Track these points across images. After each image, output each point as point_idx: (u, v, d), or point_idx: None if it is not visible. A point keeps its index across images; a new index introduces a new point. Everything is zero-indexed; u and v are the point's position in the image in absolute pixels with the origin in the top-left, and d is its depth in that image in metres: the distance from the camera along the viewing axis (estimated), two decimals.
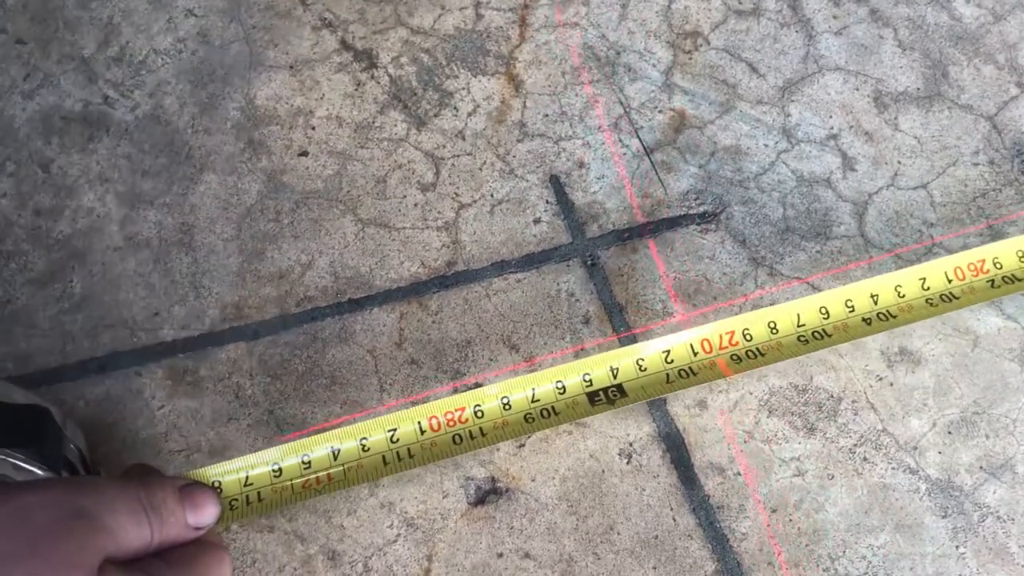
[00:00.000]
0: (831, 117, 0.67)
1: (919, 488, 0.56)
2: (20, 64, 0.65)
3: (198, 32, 0.66)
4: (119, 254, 0.60)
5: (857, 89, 0.68)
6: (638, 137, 0.64)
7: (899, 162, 0.66)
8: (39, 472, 0.44)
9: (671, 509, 0.55)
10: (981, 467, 0.56)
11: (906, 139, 0.67)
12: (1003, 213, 0.64)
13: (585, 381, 0.52)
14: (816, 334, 0.54)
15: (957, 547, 0.54)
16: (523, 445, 0.56)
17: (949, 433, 0.57)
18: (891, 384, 0.59)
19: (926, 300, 0.56)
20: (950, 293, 0.56)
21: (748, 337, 0.54)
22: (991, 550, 0.54)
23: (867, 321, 0.55)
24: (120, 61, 0.66)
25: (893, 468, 0.56)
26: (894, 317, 0.55)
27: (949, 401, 0.58)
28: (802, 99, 0.67)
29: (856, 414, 0.58)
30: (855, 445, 0.57)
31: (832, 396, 0.58)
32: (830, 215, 0.64)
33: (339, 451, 0.50)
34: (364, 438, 0.50)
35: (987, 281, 0.57)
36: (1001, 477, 0.56)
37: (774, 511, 0.55)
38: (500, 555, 0.53)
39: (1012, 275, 0.57)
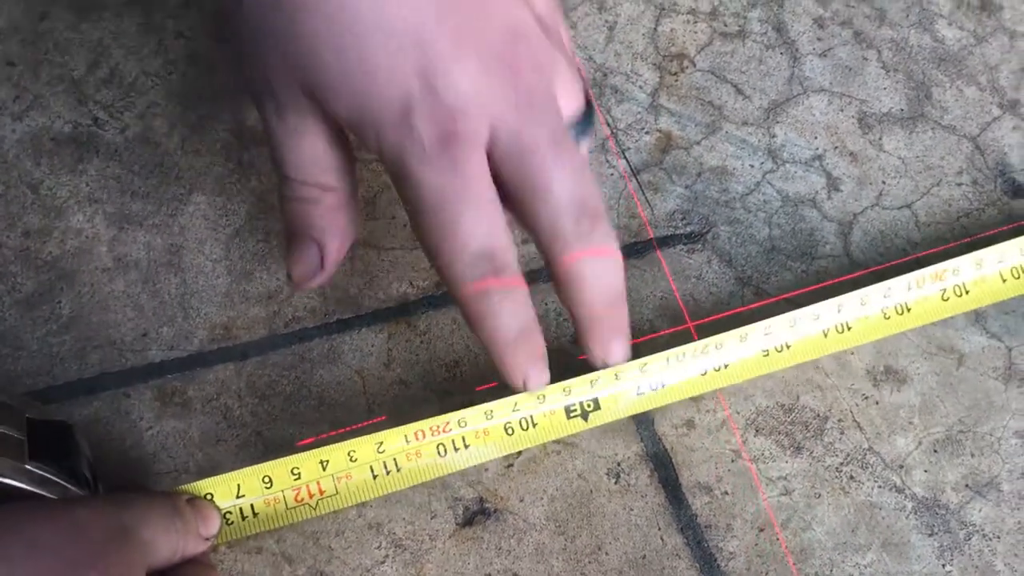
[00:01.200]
0: (816, 138, 0.67)
1: (905, 507, 0.56)
2: (10, 86, 0.65)
3: (188, 54, 0.67)
4: (108, 275, 0.59)
5: (842, 110, 0.68)
6: (624, 158, 0.64)
7: (884, 182, 0.66)
8: (65, 485, 0.45)
9: (659, 529, 0.55)
10: (967, 485, 0.57)
11: (890, 159, 0.67)
12: (986, 232, 0.64)
13: (564, 391, 0.53)
14: (777, 347, 0.56)
15: (943, 565, 0.54)
16: (511, 465, 0.56)
17: (935, 451, 0.57)
18: (877, 403, 0.59)
19: (882, 312, 0.58)
20: (905, 305, 0.58)
21: (719, 347, 0.56)
22: (977, 568, 0.54)
23: (825, 334, 0.57)
24: (110, 83, 0.66)
25: (879, 487, 0.56)
26: (850, 329, 0.57)
27: (934, 420, 0.58)
28: (787, 120, 0.68)
29: (842, 433, 0.58)
30: (841, 464, 0.57)
31: (818, 415, 0.58)
32: (815, 235, 0.64)
33: (327, 462, 0.51)
34: (352, 451, 0.51)
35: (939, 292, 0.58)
36: (987, 495, 0.56)
37: (761, 530, 0.55)
38: None
39: (964, 287, 0.58)
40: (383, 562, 0.53)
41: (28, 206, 0.63)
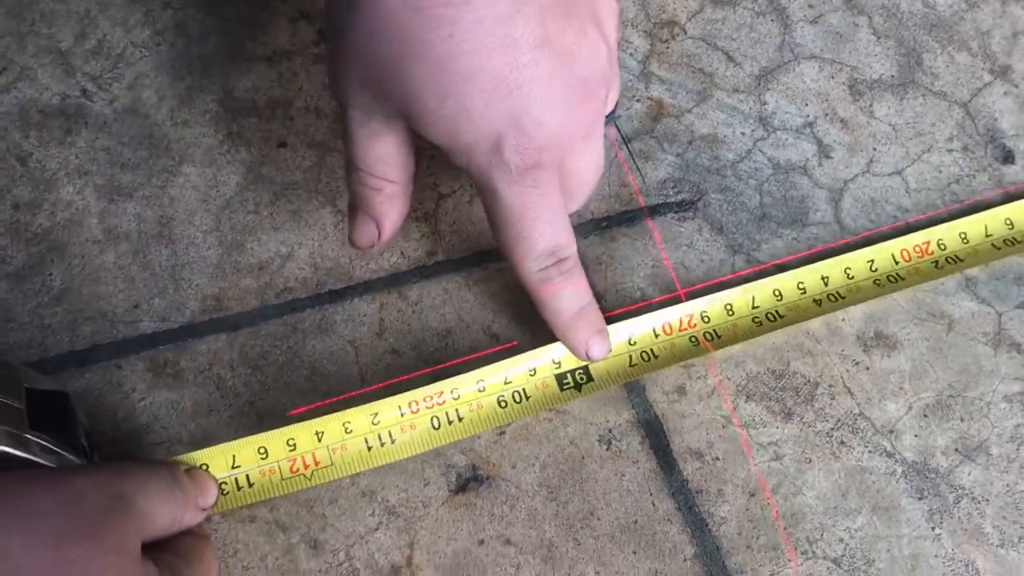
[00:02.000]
0: (807, 105, 0.67)
1: (895, 471, 0.56)
2: None
3: (176, 24, 0.66)
4: (98, 247, 0.59)
5: (832, 77, 0.68)
6: (616, 126, 0.63)
7: (874, 149, 0.66)
8: (64, 455, 0.45)
9: (650, 494, 0.55)
10: (956, 449, 0.57)
11: (881, 126, 0.67)
12: (975, 198, 0.64)
13: (555, 363, 0.53)
14: (770, 316, 0.56)
15: (933, 528, 0.55)
16: (503, 433, 0.56)
17: (925, 416, 0.58)
18: (867, 368, 0.59)
19: (874, 281, 0.58)
20: (896, 274, 0.58)
21: (706, 319, 0.58)
22: (966, 531, 0.55)
23: (818, 302, 0.57)
24: (98, 54, 0.65)
25: (870, 451, 0.56)
26: (843, 298, 0.58)
27: (924, 385, 0.58)
28: (778, 87, 0.67)
29: (833, 398, 0.58)
30: (832, 429, 0.57)
31: (809, 381, 0.58)
32: (806, 202, 0.64)
33: (323, 433, 0.51)
34: (347, 422, 0.52)
35: (932, 263, 0.58)
36: (976, 459, 0.57)
37: (752, 495, 0.55)
38: (481, 542, 0.53)
39: (955, 256, 0.59)
40: (376, 529, 0.53)
41: (17, 178, 0.62)
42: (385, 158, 0.46)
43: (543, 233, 0.45)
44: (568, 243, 0.47)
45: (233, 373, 0.58)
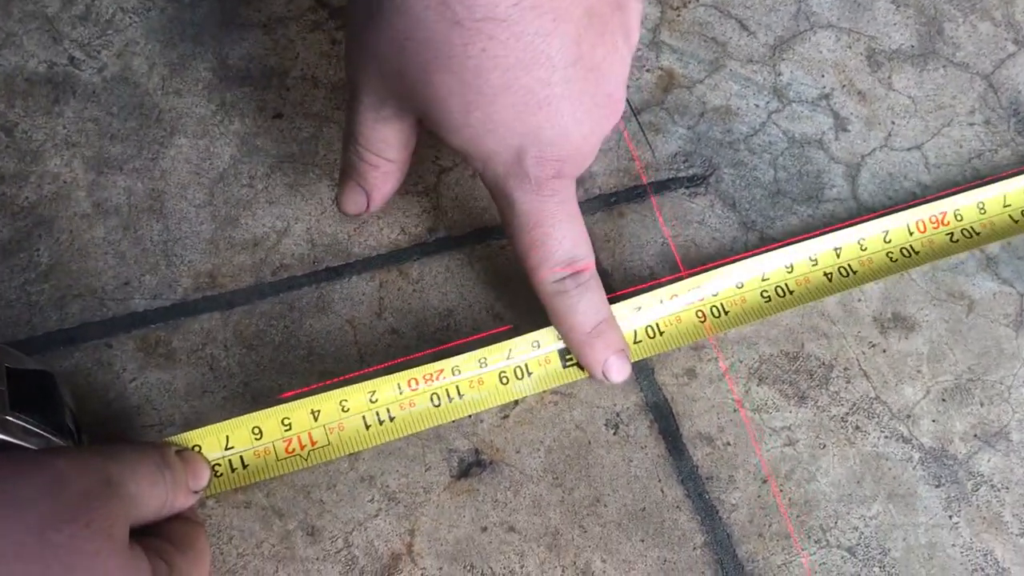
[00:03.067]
0: (823, 76, 0.65)
1: (912, 457, 0.54)
2: None
3: None
4: (87, 221, 0.57)
5: (850, 47, 0.66)
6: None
7: (893, 122, 0.64)
8: (48, 437, 0.43)
9: (659, 480, 0.53)
10: (975, 435, 0.55)
11: (900, 99, 0.64)
12: (999, 174, 0.62)
13: (559, 338, 0.51)
14: (779, 290, 0.55)
15: (950, 517, 0.53)
16: (507, 416, 0.54)
17: (943, 401, 0.56)
18: (884, 351, 0.57)
19: (887, 254, 0.56)
20: (911, 247, 0.56)
21: (714, 293, 0.55)
22: (985, 519, 0.53)
23: (828, 276, 0.56)
24: (86, 20, 0.63)
25: (886, 437, 0.55)
26: (855, 272, 0.56)
27: (943, 368, 0.57)
28: (793, 58, 0.65)
29: (848, 382, 0.56)
30: (847, 414, 0.55)
31: (824, 364, 0.56)
32: (822, 177, 0.62)
33: (319, 412, 0.49)
34: (344, 400, 0.50)
35: (946, 235, 0.56)
36: (995, 445, 0.55)
37: (764, 482, 0.53)
38: (484, 529, 0.52)
39: (971, 229, 0.57)
40: (376, 516, 0.52)
41: (2, 150, 0.60)
42: (388, 140, 0.46)
43: (560, 241, 0.44)
44: (586, 254, 0.46)
45: (227, 353, 0.56)
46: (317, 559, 0.51)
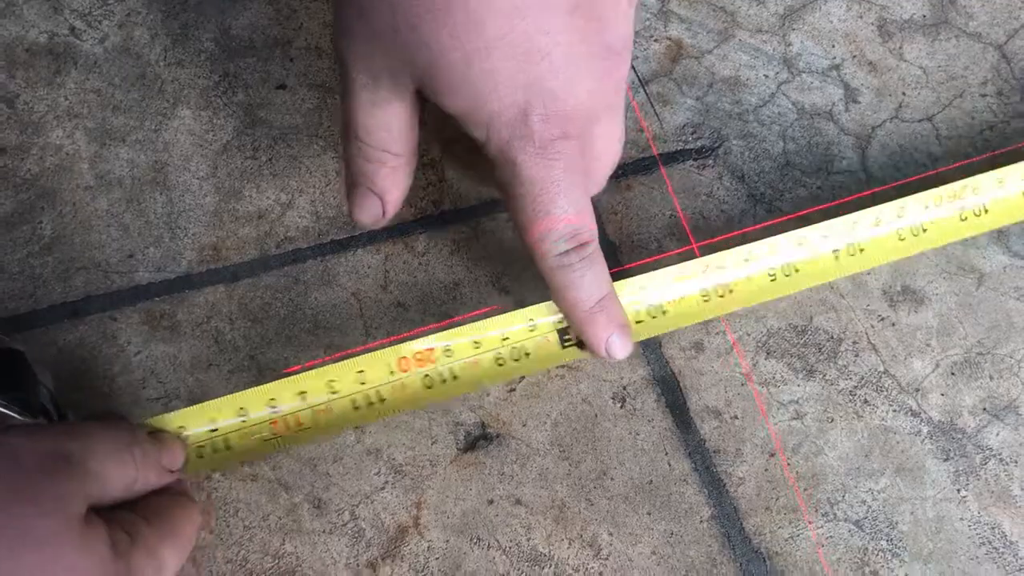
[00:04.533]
0: (834, 46, 0.64)
1: (921, 431, 0.54)
2: None
3: None
4: (90, 194, 0.57)
5: (861, 17, 0.65)
6: (632, 68, 0.61)
7: (904, 93, 0.63)
8: (16, 416, 0.43)
9: (666, 454, 0.53)
10: (984, 409, 0.55)
11: (911, 69, 0.64)
12: (1010, 146, 0.61)
13: (558, 320, 0.50)
14: (787, 271, 0.54)
15: (959, 490, 0.53)
16: (514, 390, 0.54)
17: (952, 374, 0.56)
18: (893, 324, 0.57)
19: (896, 232, 0.55)
20: (921, 228, 0.55)
21: (720, 267, 0.54)
22: (993, 493, 0.53)
23: (836, 254, 0.55)
24: None
25: (894, 411, 0.55)
26: (862, 251, 0.55)
27: (953, 342, 0.57)
28: (803, 27, 0.65)
29: (857, 355, 0.56)
30: (855, 387, 0.55)
31: (832, 337, 0.56)
32: (832, 149, 0.62)
33: (306, 393, 0.49)
34: (332, 380, 0.49)
35: (958, 213, 0.56)
36: (1004, 419, 0.55)
37: (772, 455, 0.54)
38: (491, 502, 0.52)
39: (983, 207, 0.56)
40: (383, 488, 0.52)
41: (4, 122, 0.60)
42: (389, 127, 0.43)
43: (564, 211, 0.42)
44: (590, 225, 0.44)
45: (232, 326, 0.56)
46: (324, 532, 0.51)
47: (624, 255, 0.57)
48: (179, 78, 0.62)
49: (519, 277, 0.57)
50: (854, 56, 0.64)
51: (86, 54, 0.62)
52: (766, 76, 0.63)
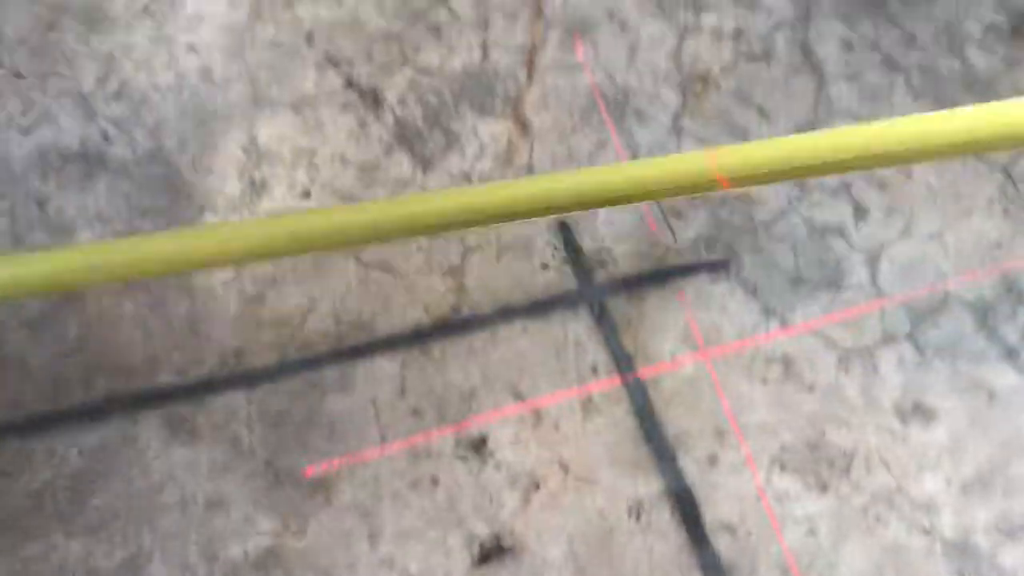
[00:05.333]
0: None
1: (934, 549, 0.55)
2: (18, 98, 0.64)
3: (200, 69, 0.66)
4: (116, 297, 0.59)
5: None
6: None
7: (912, 212, 0.65)
8: None
9: (680, 571, 0.53)
10: (998, 528, 0.55)
11: (919, 188, 0.66)
12: (1019, 263, 0.63)
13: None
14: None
15: None
16: (529, 501, 0.54)
17: (964, 492, 0.56)
18: (904, 440, 0.58)
19: None
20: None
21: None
22: None
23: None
24: (120, 97, 0.65)
25: (907, 528, 0.55)
26: None
27: (964, 459, 0.57)
28: None
29: (869, 471, 0.57)
30: (868, 503, 0.56)
31: (845, 452, 0.57)
32: (842, 265, 0.63)
33: None
34: None
35: None
36: (1019, 538, 0.55)
37: (786, 572, 0.54)
38: None
39: None
40: None
41: (35, 223, 0.62)
42: None
43: None
44: None
45: (250, 431, 0.57)
46: None
47: (638, 364, 0.58)
48: (207, 185, 0.64)
49: (534, 384, 0.58)
50: (864, 174, 0.66)
51: (117, 159, 0.64)
52: (778, 192, 0.65)
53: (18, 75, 0.66)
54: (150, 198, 0.63)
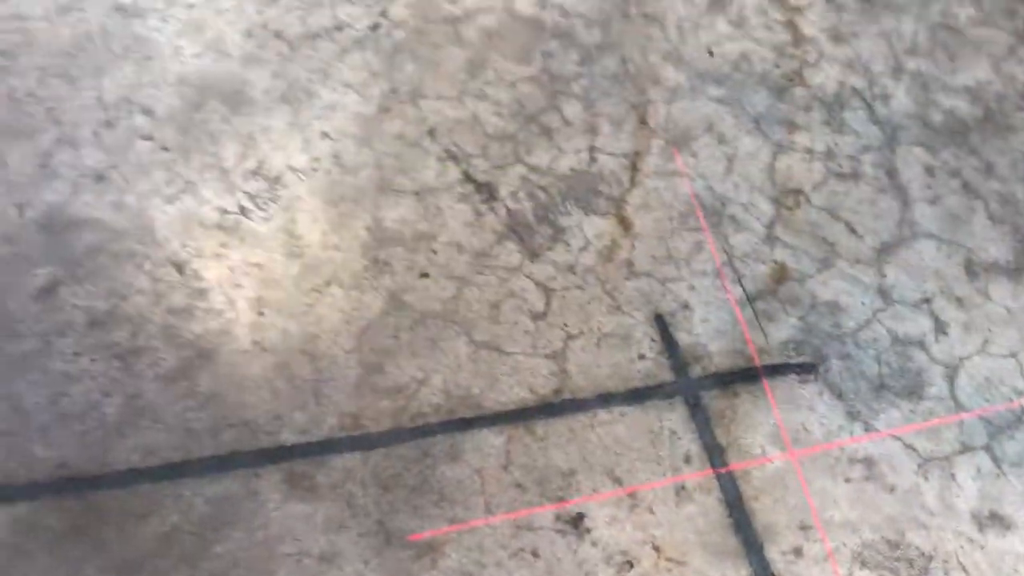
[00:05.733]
0: (925, 282, 0.71)
1: None
2: (164, 170, 0.70)
3: (332, 154, 0.72)
4: (245, 357, 0.63)
5: (949, 257, 0.72)
6: (741, 285, 0.67)
7: (989, 330, 0.69)
8: None
9: None
10: None
11: (996, 308, 0.70)
12: None
13: None
14: None
15: None
16: None
17: None
18: (982, 547, 0.60)
19: None
20: None
21: None
22: None
23: None
24: (257, 175, 0.71)
25: None
26: None
27: None
28: (897, 262, 0.71)
29: (947, 574, 0.59)
30: None
31: (923, 554, 0.60)
32: (923, 376, 0.67)
33: None
34: None
35: None
36: None
37: None
38: None
39: None
40: None
41: (174, 285, 0.67)
42: None
43: None
44: None
45: (365, 491, 0.60)
46: None
47: (730, 457, 0.62)
48: (334, 260, 0.69)
49: (630, 469, 0.61)
50: (943, 292, 0.70)
51: (252, 231, 0.69)
52: (863, 303, 0.69)
53: (165, 148, 0.73)
54: (280, 269, 0.69)
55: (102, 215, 0.69)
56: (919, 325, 0.69)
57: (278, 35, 0.78)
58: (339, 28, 0.79)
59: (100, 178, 0.71)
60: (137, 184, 0.70)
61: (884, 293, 0.70)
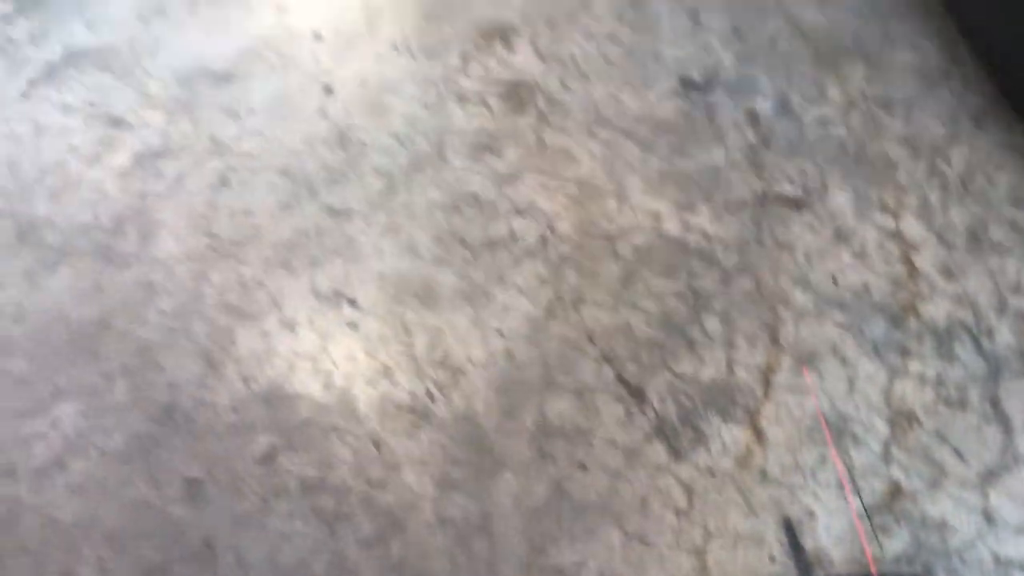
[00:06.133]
0: None
1: None
2: (366, 355, 0.83)
3: (505, 350, 0.84)
4: (430, 529, 0.74)
5: None
6: (859, 498, 0.77)
7: None
8: None
9: None
10: None
11: None
12: None
13: None
14: None
15: None
16: None
17: None
18: None
19: None
20: None
21: None
22: None
23: None
24: (443, 365, 0.83)
25: None
26: None
27: None
28: (1001, 488, 0.80)
29: None
30: None
31: None
32: None
33: None
34: None
35: None
36: None
37: None
38: None
39: None
40: None
41: (372, 459, 0.79)
42: None
43: None
44: None
45: None
46: None
47: None
48: (507, 446, 0.80)
49: None
50: None
51: (437, 415, 0.81)
52: (968, 524, 0.78)
53: (367, 338, 0.86)
54: (461, 451, 0.80)
55: (314, 392, 0.82)
56: (1021, 550, 0.78)
57: (462, 242, 0.92)
58: (513, 239, 0.92)
59: (313, 359, 0.84)
60: (343, 365, 0.83)
61: (988, 516, 0.79)
